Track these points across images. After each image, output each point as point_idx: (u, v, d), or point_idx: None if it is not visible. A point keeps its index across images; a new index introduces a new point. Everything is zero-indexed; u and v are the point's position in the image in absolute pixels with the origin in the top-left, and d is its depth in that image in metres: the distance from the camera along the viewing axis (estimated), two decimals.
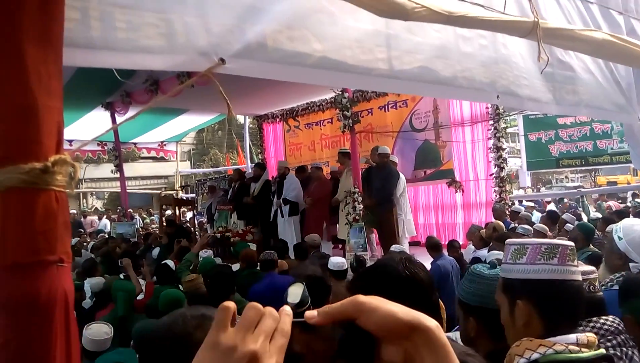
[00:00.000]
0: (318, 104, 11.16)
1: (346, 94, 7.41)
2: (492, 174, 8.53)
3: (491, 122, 8.47)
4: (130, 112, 9.83)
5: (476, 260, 5.12)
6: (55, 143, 1.28)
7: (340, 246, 8.73)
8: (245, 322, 0.57)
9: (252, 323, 0.57)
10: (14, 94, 1.22)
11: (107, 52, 1.48)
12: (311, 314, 0.60)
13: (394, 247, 5.84)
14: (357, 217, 7.26)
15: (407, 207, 8.11)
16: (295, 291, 0.64)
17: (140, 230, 12.12)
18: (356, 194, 7.32)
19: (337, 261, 4.88)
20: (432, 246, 5.89)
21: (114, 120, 10.11)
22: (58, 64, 1.31)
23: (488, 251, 5.54)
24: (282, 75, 2.00)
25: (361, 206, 7.34)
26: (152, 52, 1.57)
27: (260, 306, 0.59)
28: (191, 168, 25.27)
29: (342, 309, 0.58)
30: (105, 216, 15.64)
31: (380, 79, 2.23)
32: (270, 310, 0.60)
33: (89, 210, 20.39)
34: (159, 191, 19.33)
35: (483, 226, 7.03)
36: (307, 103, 11.37)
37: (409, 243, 8.08)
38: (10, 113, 1.23)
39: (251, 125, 14.50)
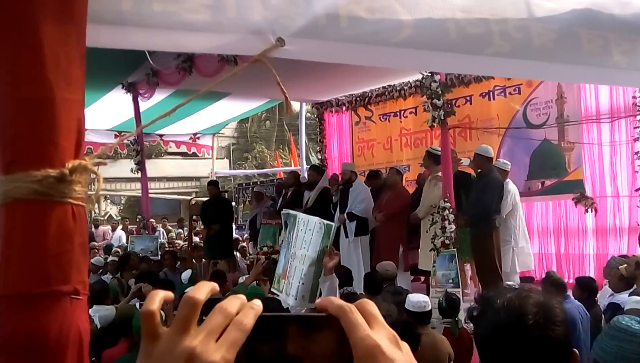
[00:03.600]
0: (398, 88, 11.11)
1: (437, 77, 7.33)
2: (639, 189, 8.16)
3: None
4: (157, 97, 10.23)
5: (615, 307, 4.92)
6: (75, 145, 1.36)
7: (422, 279, 8.65)
8: (179, 321, 0.62)
9: (187, 321, 0.62)
10: (27, 84, 1.30)
11: (139, 30, 1.55)
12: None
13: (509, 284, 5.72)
14: (447, 241, 7.16)
15: (519, 230, 7.91)
16: None
17: (165, 245, 12.55)
18: (447, 211, 7.22)
19: (418, 300, 4.86)
20: (554, 285, 5.72)
21: (136, 105, 10.52)
22: (80, 45, 1.39)
23: (629, 295, 5.31)
24: (358, 58, 2.01)
25: (453, 226, 7.23)
26: (195, 30, 1.63)
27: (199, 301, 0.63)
28: (230, 168, 25.88)
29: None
30: (120, 227, 16.30)
31: (496, 61, 2.19)
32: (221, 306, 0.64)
33: (102, 218, 21.35)
34: (189, 197, 19.96)
35: (625, 260, 6.72)
36: (383, 87, 11.35)
37: (520, 279, 7.88)
38: (22, 108, 1.31)
39: (309, 115, 14.71)
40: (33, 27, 1.31)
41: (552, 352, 1.26)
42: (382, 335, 0.65)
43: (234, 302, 0.64)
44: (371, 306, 0.67)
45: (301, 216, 4.46)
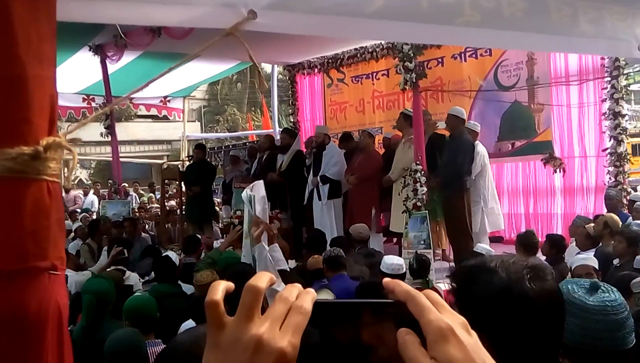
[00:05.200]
0: (370, 50, 11.07)
1: None
2: (606, 149, 8.33)
3: (607, 78, 8.23)
4: (126, 58, 10.04)
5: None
6: (48, 122, 1.37)
7: (394, 240, 8.79)
8: (243, 310, 0.65)
9: (250, 309, 0.64)
10: None
11: (110, 4, 1.55)
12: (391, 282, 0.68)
13: (480, 247, 5.84)
14: (418, 203, 7.26)
15: (488, 191, 8.05)
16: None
17: (136, 210, 12.52)
18: (418, 173, 7.31)
19: (392, 262, 4.96)
20: (526, 246, 5.85)
21: (104, 68, 10.35)
22: (51, 22, 1.39)
23: (596, 254, 5.49)
24: (330, 30, 2.02)
25: (425, 188, 7.33)
26: (167, 3, 1.63)
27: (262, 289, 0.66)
28: (202, 131, 25.70)
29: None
30: (92, 191, 16.17)
31: (467, 31, 2.21)
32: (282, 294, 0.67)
33: (72, 183, 21.11)
34: (160, 161, 19.82)
35: (591, 219, 6.92)
36: (355, 49, 11.30)
37: (490, 239, 8.05)
38: None
39: (281, 77, 14.58)
40: (3, 6, 1.31)
41: (550, 303, 1.30)
42: (453, 320, 0.65)
43: (292, 290, 0.67)
44: (436, 294, 0.68)
45: (244, 193, 4.45)
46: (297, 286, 0.68)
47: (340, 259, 5.20)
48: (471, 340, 0.64)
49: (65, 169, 1.67)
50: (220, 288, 0.67)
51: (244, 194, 4.21)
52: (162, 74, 1.79)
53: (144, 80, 8.74)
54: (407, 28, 2.12)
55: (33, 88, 1.33)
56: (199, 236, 8.10)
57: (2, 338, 1.29)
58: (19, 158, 1.30)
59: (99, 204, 12.86)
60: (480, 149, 7.94)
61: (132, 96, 13.14)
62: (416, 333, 0.64)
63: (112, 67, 10.30)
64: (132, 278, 5.96)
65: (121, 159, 12.11)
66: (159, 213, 11.67)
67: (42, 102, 1.35)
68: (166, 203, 11.76)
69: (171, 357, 1.38)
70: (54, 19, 1.41)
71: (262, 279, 0.67)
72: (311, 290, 0.67)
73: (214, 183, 13.11)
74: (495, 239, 8.67)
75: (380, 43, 10.54)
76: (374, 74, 11.38)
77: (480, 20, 2.26)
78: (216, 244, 7.99)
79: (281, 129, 11.31)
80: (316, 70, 12.41)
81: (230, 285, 0.68)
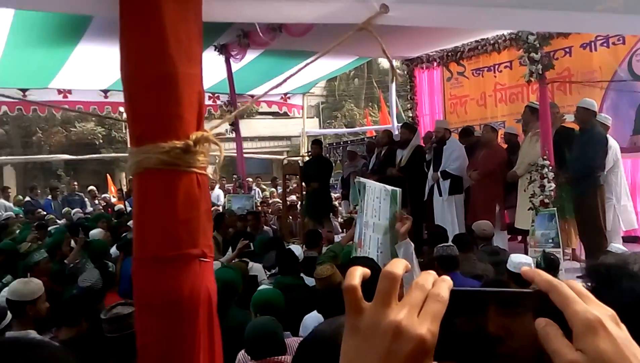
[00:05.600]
0: (492, 42, 10.71)
1: None
2: None
3: None
4: (248, 57, 10.40)
5: None
6: (196, 117, 1.46)
7: (519, 238, 8.50)
8: (381, 295, 0.65)
9: (388, 295, 0.65)
10: (152, 62, 1.40)
11: (247, 2, 1.61)
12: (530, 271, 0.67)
13: (614, 247, 5.55)
14: (546, 200, 6.98)
15: (621, 187, 7.58)
16: None
17: (259, 204, 12.92)
18: (546, 169, 7.02)
19: (520, 261, 4.79)
20: None
21: (229, 66, 10.75)
22: (198, 22, 1.47)
23: None
24: (462, 21, 1.99)
25: (552, 185, 7.03)
26: (300, 0, 1.67)
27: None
28: (320, 127, 26.06)
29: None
30: (218, 186, 16.86)
31: (607, 17, 2.09)
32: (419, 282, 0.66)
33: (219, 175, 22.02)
34: (281, 157, 20.33)
35: None
36: (476, 41, 10.99)
37: (623, 238, 7.58)
38: (149, 85, 1.41)
39: (399, 71, 14.48)
40: (156, 9, 1.40)
41: None
42: (601, 312, 0.62)
43: (428, 278, 0.67)
44: (580, 285, 0.65)
45: (370, 184, 4.43)
46: (432, 274, 0.67)
47: (454, 258, 5.08)
48: (622, 333, 0.62)
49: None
50: (358, 274, 0.67)
51: (378, 188, 4.19)
52: (300, 68, 1.84)
53: (265, 78, 9.08)
54: (542, 16, 2.04)
55: (183, 85, 1.42)
56: (320, 231, 8.23)
57: (159, 318, 1.40)
58: (172, 152, 1.40)
59: (225, 198, 13.37)
60: (612, 143, 7.48)
61: (253, 93, 13.62)
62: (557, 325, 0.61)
63: (235, 65, 10.67)
64: (256, 268, 6.16)
65: (244, 155, 12.53)
66: (281, 207, 11.97)
67: (191, 99, 1.44)
68: (287, 198, 12.04)
69: (312, 346, 1.42)
70: (200, 19, 1.49)
71: (398, 266, 0.67)
72: (447, 278, 0.67)
73: (332, 178, 13.31)
74: (630, 239, 8.13)
75: (503, 34, 10.19)
76: (496, 66, 11.02)
77: (622, 4, 2.13)
78: (337, 238, 8.10)
79: (401, 124, 11.23)
80: (435, 63, 12.20)
81: (367, 271, 0.69)
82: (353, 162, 11.41)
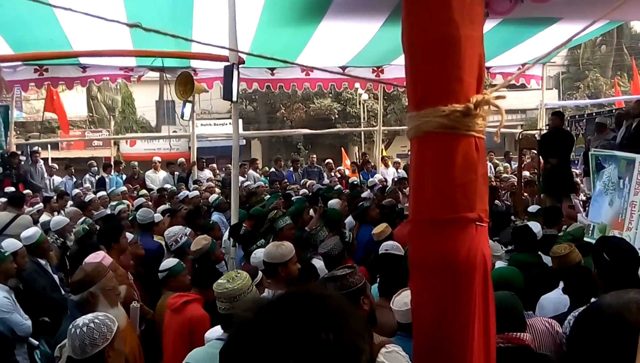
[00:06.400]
0: None
1: None
2: None
3: None
4: (486, 26, 10.06)
5: None
6: (476, 80, 1.43)
7: None
8: None
9: None
10: (436, 26, 1.40)
11: None
12: None
13: None
14: None
15: None
16: None
17: (492, 179, 12.59)
18: None
19: None
20: None
21: None
22: None
23: None
24: None
25: None
26: None
27: None
28: (559, 99, 24.51)
29: None
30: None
31: None
32: None
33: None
34: (515, 131, 19.53)
35: None
36: None
37: None
38: (431, 49, 1.42)
39: None
40: None
41: None
42: None
43: None
44: None
45: (624, 155, 3.97)
46: None
47: None
48: None
49: None
50: None
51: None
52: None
53: (501, 47, 8.63)
54: None
55: (465, 48, 1.40)
56: (560, 208, 7.77)
57: (435, 279, 1.42)
58: (452, 115, 1.40)
59: None
60: None
61: (488, 65, 13.19)
62: None
63: None
64: None
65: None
66: (514, 183, 11.53)
67: (472, 62, 1.42)
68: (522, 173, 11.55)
69: (597, 320, 1.34)
70: None
71: None
72: None
73: (573, 153, 12.45)
74: None
75: None
76: None
77: None
78: (579, 217, 7.58)
79: None
80: None
81: None
82: (601, 135, 10.54)
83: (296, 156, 21.97)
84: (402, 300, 3.30)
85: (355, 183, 12.29)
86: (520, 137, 12.76)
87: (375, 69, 12.78)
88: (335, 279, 3.11)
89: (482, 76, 1.44)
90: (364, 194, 8.94)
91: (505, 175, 13.88)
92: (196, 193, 10.68)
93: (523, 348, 2.97)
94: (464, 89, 1.41)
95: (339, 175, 15.28)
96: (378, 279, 4.37)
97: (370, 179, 12.77)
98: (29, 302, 5.08)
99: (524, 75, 14.08)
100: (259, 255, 4.77)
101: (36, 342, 4.84)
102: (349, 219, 7.75)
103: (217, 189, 11.76)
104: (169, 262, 5.04)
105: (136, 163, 15.66)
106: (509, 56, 12.49)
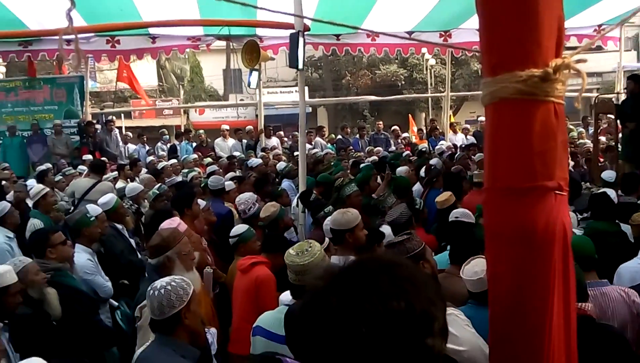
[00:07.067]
0: None
1: None
2: None
3: None
4: None
5: None
6: (556, 44, 1.38)
7: None
8: None
9: None
10: None
11: None
12: None
13: None
14: None
15: None
16: None
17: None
18: None
19: None
20: None
21: None
22: None
23: None
24: None
25: None
26: None
27: None
28: (639, 61, 23.30)
29: None
30: None
31: None
32: None
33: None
34: (591, 95, 18.72)
35: None
36: None
37: None
38: (507, 12, 1.37)
39: None
40: None
41: None
42: None
43: None
44: None
45: None
46: None
47: None
48: None
49: None
50: None
51: None
52: None
53: (577, 8, 8.28)
54: None
55: (543, 10, 1.35)
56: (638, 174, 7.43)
57: (512, 248, 1.39)
58: (529, 80, 1.35)
59: None
60: None
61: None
62: None
63: None
64: None
65: None
66: (590, 149, 11.10)
67: (551, 25, 1.36)
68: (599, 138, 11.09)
69: None
70: None
71: None
72: None
73: None
74: None
75: None
76: None
77: None
78: None
79: None
80: None
81: None
82: None
83: (362, 123, 21.80)
84: (472, 269, 3.26)
85: (424, 150, 12.13)
86: (597, 101, 12.22)
87: (443, 33, 12.46)
88: (393, 245, 3.13)
89: (562, 39, 1.39)
90: (432, 162, 8.81)
91: (580, 141, 13.40)
92: (263, 160, 10.80)
93: (585, 319, 2.89)
94: (542, 53, 1.35)
95: (405, 142, 15.09)
96: (446, 247, 4.34)
97: (438, 146, 12.55)
98: (108, 265, 5.30)
99: (599, 37, 13.45)
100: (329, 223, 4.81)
101: (116, 303, 5.06)
102: (417, 187, 7.67)
103: (283, 157, 11.86)
104: (239, 228, 5.13)
105: (202, 131, 15.96)
106: (584, 16, 11.94)
